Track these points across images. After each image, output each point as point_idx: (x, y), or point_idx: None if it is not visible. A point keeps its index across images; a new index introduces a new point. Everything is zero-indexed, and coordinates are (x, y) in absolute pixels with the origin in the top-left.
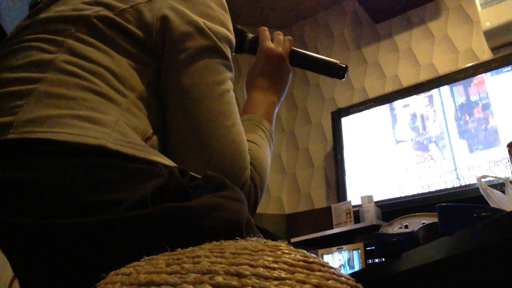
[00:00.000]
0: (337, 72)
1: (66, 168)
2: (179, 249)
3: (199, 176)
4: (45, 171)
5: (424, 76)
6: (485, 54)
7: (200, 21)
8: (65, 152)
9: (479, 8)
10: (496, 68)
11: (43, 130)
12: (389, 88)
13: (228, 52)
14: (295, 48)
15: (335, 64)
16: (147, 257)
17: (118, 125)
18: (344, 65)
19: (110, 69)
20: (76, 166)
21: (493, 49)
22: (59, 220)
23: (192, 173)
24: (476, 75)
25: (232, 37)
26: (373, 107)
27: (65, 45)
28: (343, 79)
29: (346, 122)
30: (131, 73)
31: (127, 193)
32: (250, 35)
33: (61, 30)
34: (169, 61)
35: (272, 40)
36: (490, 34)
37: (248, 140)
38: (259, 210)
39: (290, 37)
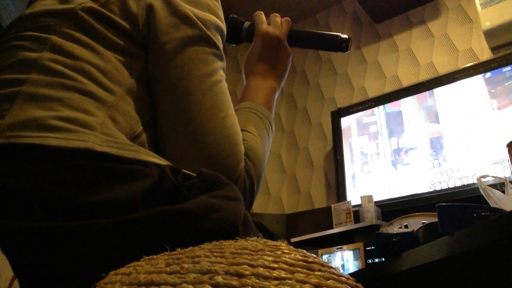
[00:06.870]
0: (340, 45)
1: (53, 173)
2: (179, 249)
3: (193, 174)
4: (32, 177)
5: (424, 76)
6: (485, 54)
7: (187, 9)
8: (51, 156)
9: (479, 8)
10: (496, 68)
11: (29, 135)
12: (389, 88)
13: (218, 40)
14: (293, 29)
15: (336, 36)
16: (146, 257)
17: (104, 126)
18: (346, 36)
19: (96, 64)
20: (63, 170)
21: (493, 49)
22: (50, 223)
23: (185, 171)
24: (476, 75)
25: (223, 25)
26: (373, 107)
27: (49, 42)
28: (347, 52)
29: (346, 122)
30: (119, 67)
31: (115, 194)
32: (247, 23)
33: (46, 26)
34: (156, 54)
35: (269, 23)
36: (490, 34)
37: (243, 130)
38: (259, 210)
39: (287, 18)
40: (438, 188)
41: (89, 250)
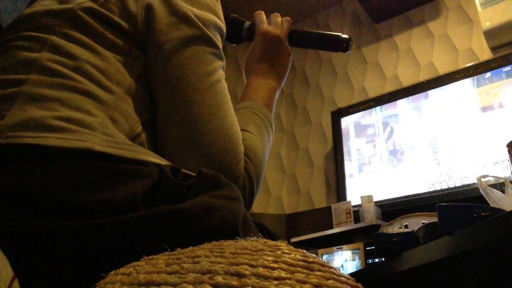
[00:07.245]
0: (340, 45)
1: (53, 173)
2: (179, 249)
3: (193, 174)
4: (32, 177)
5: (424, 76)
6: (485, 54)
7: (187, 8)
8: (52, 157)
9: (479, 8)
10: (496, 68)
11: (29, 135)
12: (389, 88)
13: (218, 39)
14: (294, 28)
15: (337, 37)
16: (146, 257)
17: (104, 126)
18: (346, 36)
19: (95, 65)
20: (63, 170)
21: (493, 49)
22: (50, 223)
23: (185, 171)
24: (476, 75)
25: (222, 24)
26: (373, 107)
27: (49, 43)
28: (347, 52)
29: (345, 122)
30: (118, 67)
31: (115, 194)
32: (247, 22)
33: (46, 26)
34: (155, 53)
35: (269, 23)
36: (490, 34)
37: (243, 130)
38: (259, 210)
39: (288, 17)
40: (438, 188)
41: (89, 250)
